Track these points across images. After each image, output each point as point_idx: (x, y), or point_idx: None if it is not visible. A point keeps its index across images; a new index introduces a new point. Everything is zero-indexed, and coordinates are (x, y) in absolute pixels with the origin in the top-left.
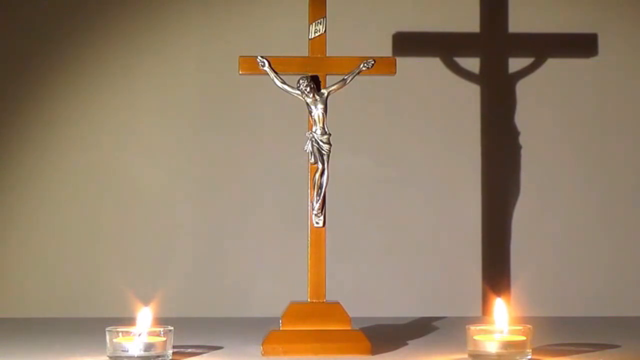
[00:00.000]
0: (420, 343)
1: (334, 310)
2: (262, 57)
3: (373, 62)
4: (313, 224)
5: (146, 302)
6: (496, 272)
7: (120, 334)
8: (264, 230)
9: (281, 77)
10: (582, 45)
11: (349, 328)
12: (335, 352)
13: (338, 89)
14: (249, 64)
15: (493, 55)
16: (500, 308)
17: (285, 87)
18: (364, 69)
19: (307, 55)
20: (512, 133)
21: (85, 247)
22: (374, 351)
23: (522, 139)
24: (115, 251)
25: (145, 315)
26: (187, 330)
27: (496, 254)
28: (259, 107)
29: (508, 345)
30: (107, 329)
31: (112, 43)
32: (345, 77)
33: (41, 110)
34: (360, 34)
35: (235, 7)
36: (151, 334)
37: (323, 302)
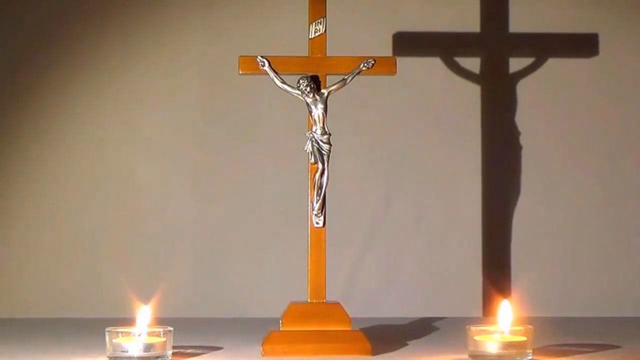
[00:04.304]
0: (421, 343)
1: (334, 310)
2: (262, 56)
3: (373, 62)
4: (313, 224)
5: (146, 302)
6: (497, 273)
7: (119, 334)
8: (264, 231)
9: (281, 76)
10: (582, 45)
11: (349, 328)
12: (335, 353)
13: (338, 88)
14: (249, 64)
15: (493, 55)
16: (506, 309)
17: (285, 87)
18: (364, 68)
19: (307, 55)
20: (513, 133)
21: (85, 247)
22: (375, 352)
23: (522, 139)
24: (115, 251)
25: (145, 315)
26: (186, 330)
27: (497, 254)
28: (259, 107)
29: (508, 345)
30: (107, 329)
31: (111, 42)
32: (346, 77)
33: (41, 110)
34: (360, 33)
35: (235, 7)
36: (151, 334)
37: (323, 302)
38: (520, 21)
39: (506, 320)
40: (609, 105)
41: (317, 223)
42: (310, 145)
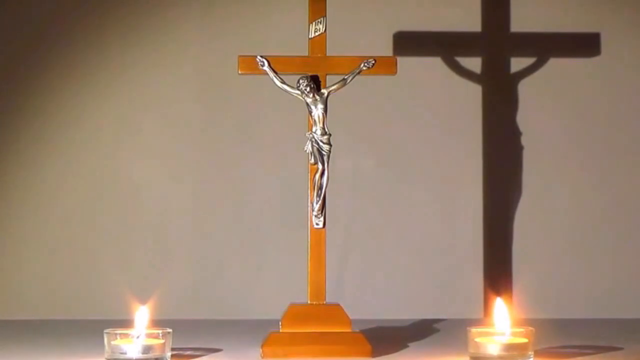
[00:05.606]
0: (421, 345)
1: (334, 312)
2: (261, 56)
3: (373, 62)
4: (313, 225)
5: (145, 304)
6: (498, 274)
7: (118, 336)
8: (263, 231)
9: (281, 76)
10: (584, 44)
11: (349, 330)
12: (335, 355)
13: (338, 88)
14: (249, 64)
15: (495, 54)
16: (500, 308)
17: (285, 86)
18: (364, 68)
19: (307, 54)
20: (514, 133)
21: (84, 248)
22: (375, 353)
23: (524, 139)
24: (114, 252)
25: (142, 315)
26: (185, 332)
27: (498, 255)
28: (259, 107)
29: (509, 347)
30: (105, 331)
31: (111, 41)
32: (346, 77)
33: (39, 111)
34: (360, 33)
35: (234, 6)
36: (149, 336)
37: (323, 303)
38: (521, 21)
39: (502, 319)
40: (610, 105)
41: (317, 224)
42: (310, 146)
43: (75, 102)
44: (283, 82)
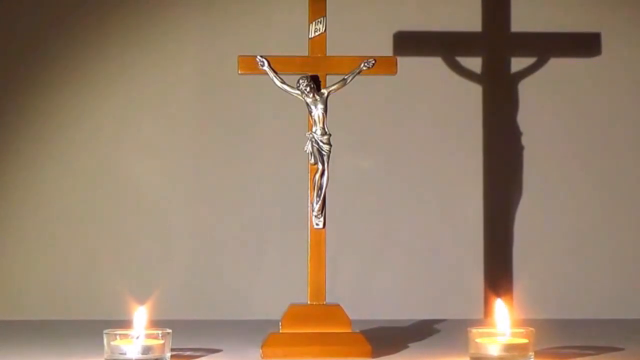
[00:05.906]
0: (421, 346)
1: (334, 312)
2: (261, 56)
3: (374, 62)
4: (313, 226)
5: (144, 304)
6: (498, 274)
7: (117, 336)
8: (263, 232)
9: (281, 76)
10: (585, 44)
11: (349, 330)
12: (335, 355)
13: (338, 88)
14: (248, 64)
15: (495, 54)
16: (501, 309)
17: (285, 86)
18: (364, 68)
19: (307, 54)
20: (515, 133)
21: (83, 249)
22: (375, 354)
23: (524, 140)
24: (113, 253)
25: (142, 316)
26: (185, 332)
27: (498, 255)
28: (259, 107)
29: (510, 348)
30: (105, 331)
31: (111, 41)
32: (346, 77)
33: (39, 111)
34: (360, 33)
35: (234, 6)
36: (149, 336)
37: (323, 304)
38: (521, 20)
39: (502, 319)
40: (611, 105)
41: (317, 224)
42: (310, 146)
43: (75, 102)
44: (283, 82)
